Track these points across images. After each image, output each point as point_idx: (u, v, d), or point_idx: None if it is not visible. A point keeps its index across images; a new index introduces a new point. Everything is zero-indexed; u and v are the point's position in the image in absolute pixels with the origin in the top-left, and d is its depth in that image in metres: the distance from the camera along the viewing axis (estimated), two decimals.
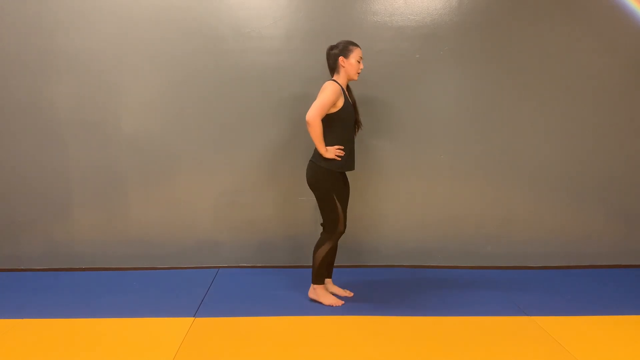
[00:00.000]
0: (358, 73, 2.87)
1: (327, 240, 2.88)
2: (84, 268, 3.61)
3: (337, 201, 2.83)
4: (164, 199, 3.58)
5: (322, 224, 3.06)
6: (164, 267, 3.62)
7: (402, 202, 3.63)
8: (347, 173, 3.03)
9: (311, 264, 3.24)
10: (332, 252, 2.91)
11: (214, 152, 3.55)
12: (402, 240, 3.67)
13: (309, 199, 3.57)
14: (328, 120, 2.82)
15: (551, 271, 3.61)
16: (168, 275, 3.47)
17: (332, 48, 2.87)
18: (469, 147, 3.59)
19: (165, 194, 3.58)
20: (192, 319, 2.73)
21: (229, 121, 3.52)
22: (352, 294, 3.07)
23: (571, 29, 3.50)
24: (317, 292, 2.97)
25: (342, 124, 2.84)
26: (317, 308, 2.89)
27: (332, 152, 2.79)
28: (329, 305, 2.92)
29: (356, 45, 2.86)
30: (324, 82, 2.82)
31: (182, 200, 3.59)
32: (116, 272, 3.53)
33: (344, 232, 2.92)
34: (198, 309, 2.87)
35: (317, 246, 2.91)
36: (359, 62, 2.85)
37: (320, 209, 2.92)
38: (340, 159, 2.80)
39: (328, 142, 2.82)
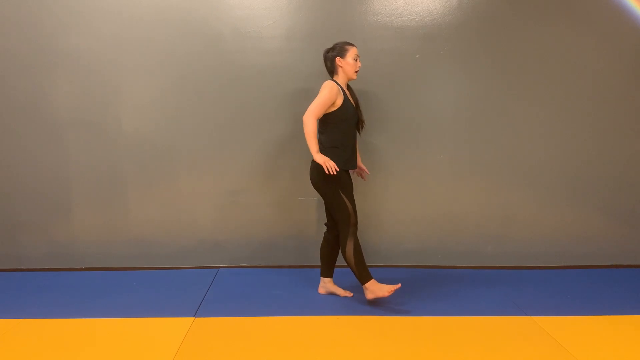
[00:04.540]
0: (356, 71, 2.91)
1: (346, 237, 2.85)
2: (84, 268, 3.61)
3: (344, 196, 2.83)
4: (164, 199, 3.58)
5: (325, 224, 3.06)
6: (164, 267, 3.62)
7: (401, 202, 3.63)
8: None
9: (317, 264, 3.24)
10: (358, 246, 2.85)
11: (214, 151, 3.55)
12: (402, 240, 3.67)
13: (309, 199, 3.57)
14: (328, 119, 2.83)
15: (551, 271, 3.61)
16: (168, 275, 3.47)
17: (328, 50, 2.93)
18: (469, 146, 3.59)
19: (165, 194, 3.58)
20: (192, 319, 2.73)
21: (229, 121, 3.52)
22: (352, 295, 3.07)
23: (571, 29, 3.51)
24: (371, 290, 2.84)
25: (341, 123, 2.85)
26: (317, 308, 2.89)
27: (322, 159, 2.70)
28: (391, 294, 2.80)
29: (351, 44, 2.90)
30: (323, 83, 2.84)
31: (182, 200, 3.59)
32: (116, 272, 3.53)
33: (357, 223, 2.88)
34: (198, 309, 2.87)
35: (342, 249, 2.87)
36: (355, 61, 2.88)
37: (330, 209, 2.92)
38: (328, 172, 2.69)
39: (328, 141, 2.85)
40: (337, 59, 2.87)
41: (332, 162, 2.70)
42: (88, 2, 3.39)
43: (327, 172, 2.69)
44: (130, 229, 3.60)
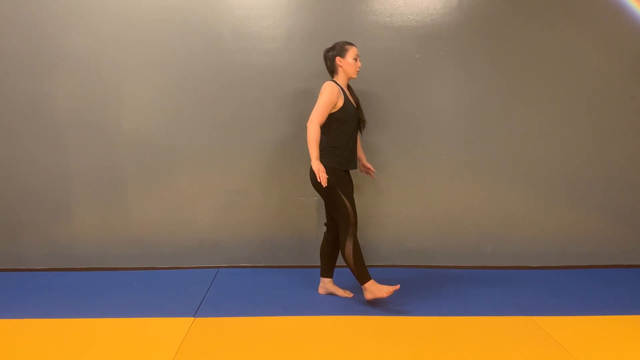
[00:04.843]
0: (357, 71, 2.90)
1: (346, 238, 2.84)
2: (84, 268, 3.61)
3: (343, 197, 2.82)
4: (164, 199, 3.58)
5: (325, 224, 3.06)
6: (164, 267, 3.62)
7: (402, 202, 3.63)
8: (351, 174, 3.03)
9: (317, 264, 3.25)
10: (357, 246, 2.85)
11: (214, 151, 3.55)
12: (402, 240, 3.67)
13: (309, 199, 3.57)
14: (329, 120, 2.83)
15: (551, 271, 3.61)
16: (168, 275, 3.47)
17: (328, 50, 2.93)
18: (469, 147, 3.59)
19: (165, 194, 3.58)
20: (192, 319, 2.72)
21: (229, 121, 3.52)
22: (352, 295, 3.07)
23: (571, 29, 3.51)
24: (370, 290, 2.84)
25: (342, 124, 2.85)
26: (317, 308, 2.89)
27: (317, 167, 2.69)
28: (389, 294, 2.80)
29: (351, 44, 2.90)
30: (323, 83, 2.84)
31: (182, 200, 3.59)
32: (116, 272, 3.53)
33: (356, 223, 2.88)
34: (198, 309, 2.87)
35: (342, 250, 2.87)
36: (355, 61, 2.88)
37: (329, 209, 2.92)
38: (319, 180, 2.69)
39: (329, 141, 2.84)
40: (337, 59, 2.88)
41: (325, 174, 2.68)
42: (88, 2, 3.39)
43: (319, 180, 2.69)
44: (130, 229, 3.60)
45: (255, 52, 3.45)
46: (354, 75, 2.92)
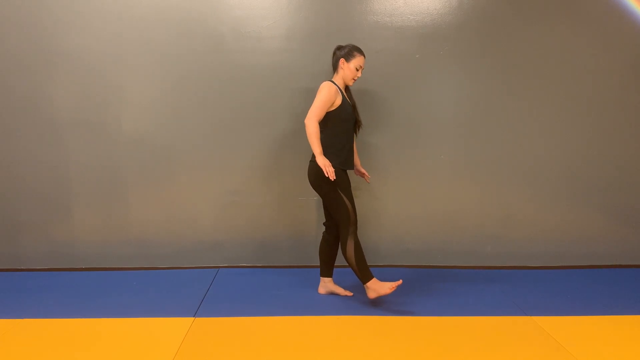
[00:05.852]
0: (354, 79, 2.91)
1: (347, 237, 2.83)
2: (84, 268, 3.61)
3: (343, 196, 2.82)
4: (164, 199, 3.58)
5: (325, 224, 3.06)
6: (164, 267, 3.62)
7: (402, 202, 3.63)
8: (348, 173, 3.02)
9: (317, 264, 3.25)
10: (359, 246, 2.84)
11: (214, 151, 3.55)
12: (402, 240, 3.67)
13: (309, 199, 3.58)
14: (326, 119, 2.84)
15: (551, 271, 3.61)
16: (168, 275, 3.47)
17: (339, 48, 2.93)
18: (469, 146, 3.59)
19: (166, 194, 3.58)
20: (192, 319, 2.73)
21: (229, 121, 3.52)
22: (352, 294, 3.07)
23: (571, 29, 3.51)
24: (373, 288, 2.82)
25: (340, 123, 2.86)
26: (317, 308, 2.89)
27: (323, 162, 2.69)
28: (393, 290, 2.79)
29: (361, 53, 2.89)
30: (321, 83, 2.84)
31: (183, 200, 3.59)
32: (116, 272, 3.53)
33: (357, 222, 2.87)
34: (198, 309, 2.87)
35: (343, 249, 2.86)
36: (357, 70, 2.87)
37: (328, 208, 2.92)
38: (326, 175, 2.69)
39: (326, 140, 2.84)
40: (342, 60, 2.88)
41: (332, 168, 2.69)
42: (88, 2, 3.39)
43: (326, 175, 2.68)
44: (130, 229, 3.60)
45: (255, 52, 3.45)
46: (350, 83, 2.92)
